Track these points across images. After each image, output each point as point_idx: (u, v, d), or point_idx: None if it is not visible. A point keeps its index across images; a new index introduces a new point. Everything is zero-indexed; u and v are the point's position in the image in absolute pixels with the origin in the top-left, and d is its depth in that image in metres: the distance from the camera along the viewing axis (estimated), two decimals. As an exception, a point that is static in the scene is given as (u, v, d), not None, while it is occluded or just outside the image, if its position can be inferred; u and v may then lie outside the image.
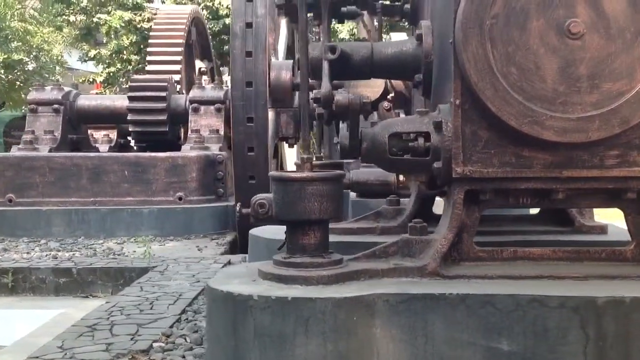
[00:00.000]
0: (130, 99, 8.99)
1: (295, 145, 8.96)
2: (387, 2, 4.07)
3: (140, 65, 25.80)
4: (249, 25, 6.69)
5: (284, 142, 8.59)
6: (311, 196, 2.68)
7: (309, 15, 3.80)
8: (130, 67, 25.91)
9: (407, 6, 3.96)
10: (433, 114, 2.82)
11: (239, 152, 6.75)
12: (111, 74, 26.36)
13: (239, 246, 7.29)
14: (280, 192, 2.73)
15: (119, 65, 25.76)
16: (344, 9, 3.67)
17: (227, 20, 19.98)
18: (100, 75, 26.02)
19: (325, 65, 3.36)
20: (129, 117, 8.98)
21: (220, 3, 21.23)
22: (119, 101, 9.31)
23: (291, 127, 7.76)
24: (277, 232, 4.24)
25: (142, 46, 24.79)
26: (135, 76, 9.86)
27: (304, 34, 2.79)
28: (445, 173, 2.72)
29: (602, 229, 3.85)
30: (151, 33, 10.25)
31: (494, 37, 2.55)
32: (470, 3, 2.55)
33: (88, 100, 9.44)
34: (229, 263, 5.72)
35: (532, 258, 2.82)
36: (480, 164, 2.69)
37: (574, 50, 2.53)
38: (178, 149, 9.24)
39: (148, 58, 10.08)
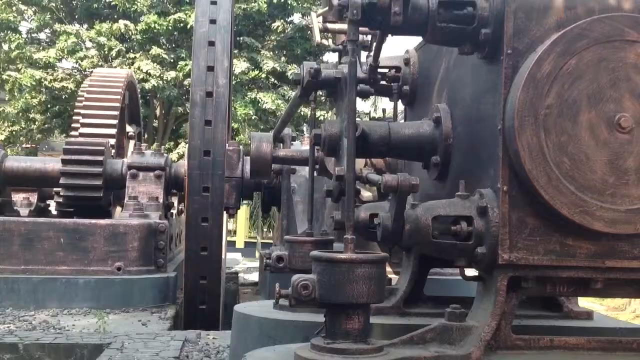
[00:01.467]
0: (64, 162, 8.61)
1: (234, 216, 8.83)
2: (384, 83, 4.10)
3: (45, 126, 25.06)
4: (209, 94, 6.61)
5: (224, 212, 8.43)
6: (360, 279, 2.59)
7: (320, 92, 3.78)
8: (34, 127, 25.09)
9: (406, 87, 4.00)
10: (474, 198, 2.81)
11: (193, 223, 6.56)
12: (14, 132, 25.44)
13: (182, 321, 7.01)
14: (326, 273, 2.62)
15: (22, 124, 24.91)
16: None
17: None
18: (2, 134, 25.06)
19: (346, 144, 3.33)
20: (61, 181, 8.59)
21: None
22: (51, 164, 8.91)
23: (233, 196, 7.64)
24: (265, 309, 4.10)
25: (49, 106, 24.15)
26: (70, 139, 9.49)
27: (353, 113, 2.75)
28: (490, 259, 2.70)
29: (589, 315, 3.93)
30: (85, 95, 9.95)
31: (548, 127, 2.59)
32: (526, 92, 2.59)
33: (17, 161, 8.99)
34: (186, 340, 5.46)
35: (568, 347, 2.81)
36: (525, 251, 2.69)
37: (622, 144, 2.60)
38: (108, 215, 8.89)
39: (82, 120, 9.74)
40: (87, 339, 5.38)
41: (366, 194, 6.29)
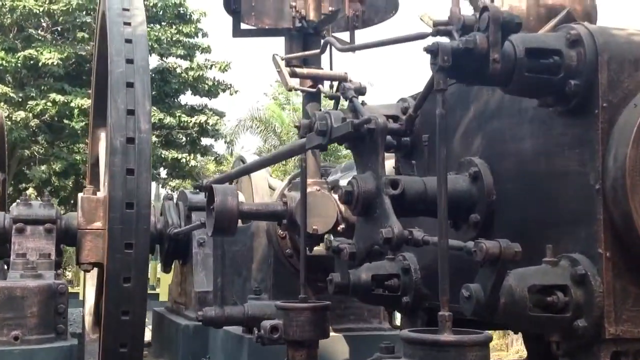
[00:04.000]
0: None
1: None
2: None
3: None
4: (130, 140, 5.98)
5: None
6: (469, 365, 2.24)
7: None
8: None
9: (406, 138, 3.73)
10: (563, 264, 2.55)
11: (113, 283, 5.85)
12: None
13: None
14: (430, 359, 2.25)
15: None
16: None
17: None
18: None
19: (388, 201, 2.98)
20: None
21: None
22: None
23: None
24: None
25: None
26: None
27: (444, 169, 2.42)
28: (592, 333, 2.44)
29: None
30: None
31: (659, 187, 2.39)
32: (636, 149, 2.38)
33: None
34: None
35: None
36: (630, 323, 2.46)
37: None
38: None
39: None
40: None
41: (317, 248, 5.93)
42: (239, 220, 4.60)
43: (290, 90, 4.57)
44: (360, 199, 3.07)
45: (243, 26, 5.20)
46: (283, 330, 3.69)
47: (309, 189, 4.62)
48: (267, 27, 5.28)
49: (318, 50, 4.36)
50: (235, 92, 23.55)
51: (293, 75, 4.49)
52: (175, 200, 8.62)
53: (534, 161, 2.85)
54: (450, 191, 3.14)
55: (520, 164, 2.94)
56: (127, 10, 6.79)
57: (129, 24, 6.68)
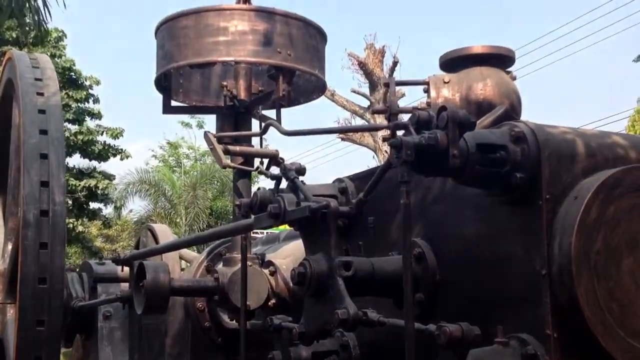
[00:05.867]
0: None
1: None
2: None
3: None
4: (44, 213, 5.83)
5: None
6: None
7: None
8: None
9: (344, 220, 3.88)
10: (513, 343, 2.73)
11: (23, 362, 5.60)
12: None
13: None
14: None
15: None
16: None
17: None
18: None
19: (341, 283, 3.10)
20: None
21: None
22: None
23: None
24: None
25: None
26: None
27: (408, 253, 2.56)
28: (544, 412, 2.63)
29: None
30: None
31: (599, 273, 2.64)
32: (579, 239, 2.62)
33: None
34: None
35: None
36: (575, 398, 2.66)
37: (657, 289, 2.72)
38: None
39: None
40: None
41: (230, 321, 5.92)
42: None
43: (224, 167, 4.64)
44: (313, 280, 3.17)
45: (173, 103, 5.26)
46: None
47: (239, 265, 4.67)
48: (194, 103, 5.36)
49: (259, 132, 4.48)
50: (127, 157, 23.22)
51: (225, 152, 4.57)
52: (78, 271, 8.37)
53: (478, 245, 3.06)
54: (395, 271, 3.32)
55: (464, 246, 3.14)
56: (40, 80, 6.69)
57: (42, 94, 6.58)
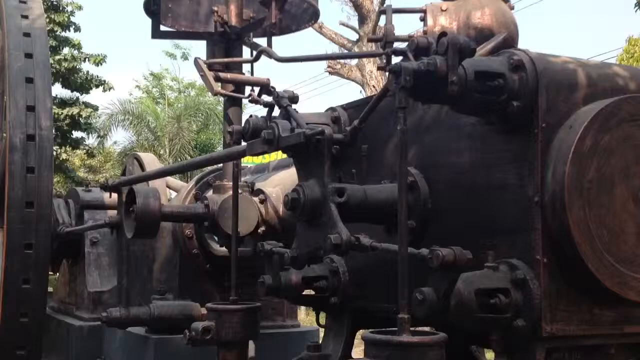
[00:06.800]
0: None
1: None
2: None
3: None
4: (30, 137, 5.79)
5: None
6: (431, 364, 2.42)
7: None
8: None
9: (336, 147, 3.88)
10: (503, 268, 2.78)
11: (12, 285, 5.63)
12: None
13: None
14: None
15: None
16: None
17: None
18: None
19: (335, 209, 3.12)
20: None
21: None
22: None
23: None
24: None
25: None
26: None
27: (405, 177, 2.57)
28: (531, 331, 2.70)
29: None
30: None
31: (591, 201, 2.67)
32: (572, 167, 2.65)
33: None
34: None
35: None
36: (563, 322, 2.73)
37: (645, 216, 2.77)
38: None
39: None
40: None
41: (220, 248, 5.96)
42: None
43: (215, 95, 4.61)
44: (306, 206, 3.19)
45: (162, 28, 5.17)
46: (215, 332, 3.74)
47: (229, 192, 4.69)
48: (183, 29, 5.27)
49: (251, 58, 4.43)
50: (110, 88, 22.91)
51: (216, 79, 4.53)
52: (64, 198, 8.37)
53: (471, 173, 3.08)
54: (387, 199, 3.35)
55: (457, 175, 3.16)
56: (24, 2, 6.54)
57: (26, 16, 6.44)
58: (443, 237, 3.20)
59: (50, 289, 7.35)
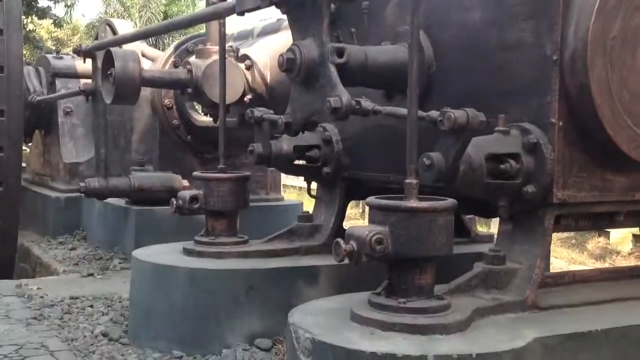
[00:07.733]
0: None
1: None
2: None
3: None
4: (-3, -3, 5.41)
5: None
6: (441, 229, 2.30)
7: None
8: None
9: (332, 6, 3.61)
10: (514, 132, 2.62)
11: (-16, 153, 5.43)
12: None
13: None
14: (402, 226, 2.27)
15: None
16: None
17: None
18: None
19: (334, 70, 2.91)
20: None
21: None
22: None
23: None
24: (179, 257, 3.53)
25: None
26: None
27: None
28: (541, 197, 2.57)
29: (490, 238, 4.06)
30: None
31: (613, 60, 2.49)
32: (597, 23, 2.45)
33: None
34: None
35: (587, 280, 2.84)
36: (574, 188, 2.61)
37: (669, 78, 2.60)
38: None
39: None
40: None
41: (201, 118, 5.75)
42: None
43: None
44: (303, 67, 2.97)
45: None
46: (203, 201, 3.59)
47: (213, 57, 4.42)
48: None
49: None
50: (77, -48, 21.71)
51: None
52: (34, 66, 8.00)
53: (481, 32, 2.86)
54: (389, 61, 3.13)
55: (465, 34, 2.95)
56: None
57: None
58: (448, 103, 3.01)
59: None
